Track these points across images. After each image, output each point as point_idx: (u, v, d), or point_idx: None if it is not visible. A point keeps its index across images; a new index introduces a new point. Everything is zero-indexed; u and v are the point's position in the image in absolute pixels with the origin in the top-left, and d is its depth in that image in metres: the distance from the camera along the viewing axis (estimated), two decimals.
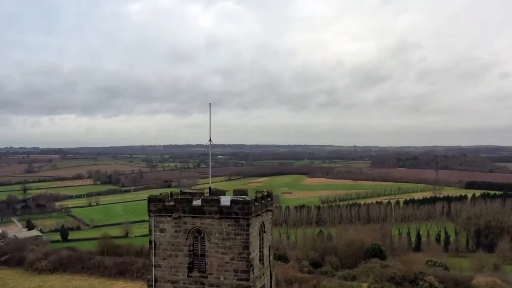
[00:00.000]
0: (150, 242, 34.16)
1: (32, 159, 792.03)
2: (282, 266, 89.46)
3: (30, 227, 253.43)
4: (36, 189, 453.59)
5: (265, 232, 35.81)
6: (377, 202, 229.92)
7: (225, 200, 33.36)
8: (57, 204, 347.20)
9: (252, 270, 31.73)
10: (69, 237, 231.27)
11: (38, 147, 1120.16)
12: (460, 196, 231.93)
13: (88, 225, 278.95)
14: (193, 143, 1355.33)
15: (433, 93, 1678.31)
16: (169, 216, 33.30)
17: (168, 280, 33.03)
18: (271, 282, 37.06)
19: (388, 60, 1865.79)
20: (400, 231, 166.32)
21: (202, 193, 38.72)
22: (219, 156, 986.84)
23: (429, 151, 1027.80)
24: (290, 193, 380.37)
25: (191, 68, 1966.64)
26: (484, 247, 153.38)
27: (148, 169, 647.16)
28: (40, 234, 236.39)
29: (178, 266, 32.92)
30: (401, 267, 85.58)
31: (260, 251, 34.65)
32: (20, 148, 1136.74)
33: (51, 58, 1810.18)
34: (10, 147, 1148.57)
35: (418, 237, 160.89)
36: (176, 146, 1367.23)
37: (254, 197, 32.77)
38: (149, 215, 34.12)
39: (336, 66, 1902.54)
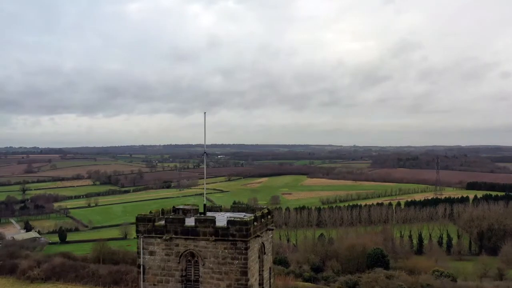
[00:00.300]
0: (139, 266, 31.30)
1: (31, 159, 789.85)
2: (282, 277, 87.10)
3: (28, 228, 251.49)
4: (35, 189, 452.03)
5: (265, 253, 32.76)
6: (378, 204, 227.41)
7: (222, 219, 30.54)
8: (56, 205, 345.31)
9: None
10: (67, 239, 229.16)
11: (38, 147, 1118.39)
12: (462, 197, 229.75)
13: (86, 226, 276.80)
14: (193, 143, 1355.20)
15: (434, 93, 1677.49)
16: (160, 237, 30.42)
17: None
18: None
19: (389, 59, 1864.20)
20: (402, 233, 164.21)
21: (197, 210, 36.22)
22: (219, 156, 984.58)
23: (429, 150, 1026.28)
24: (290, 193, 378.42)
25: (192, 67, 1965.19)
26: (487, 250, 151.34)
27: (147, 169, 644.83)
28: (38, 235, 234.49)
29: None
30: (406, 278, 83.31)
31: (259, 274, 31.63)
32: (20, 147, 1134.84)
33: (51, 57, 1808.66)
34: (10, 147, 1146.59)
35: (420, 239, 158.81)
36: (176, 146, 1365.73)
37: (253, 217, 29.67)
38: (138, 236, 31.40)
39: (337, 65, 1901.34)
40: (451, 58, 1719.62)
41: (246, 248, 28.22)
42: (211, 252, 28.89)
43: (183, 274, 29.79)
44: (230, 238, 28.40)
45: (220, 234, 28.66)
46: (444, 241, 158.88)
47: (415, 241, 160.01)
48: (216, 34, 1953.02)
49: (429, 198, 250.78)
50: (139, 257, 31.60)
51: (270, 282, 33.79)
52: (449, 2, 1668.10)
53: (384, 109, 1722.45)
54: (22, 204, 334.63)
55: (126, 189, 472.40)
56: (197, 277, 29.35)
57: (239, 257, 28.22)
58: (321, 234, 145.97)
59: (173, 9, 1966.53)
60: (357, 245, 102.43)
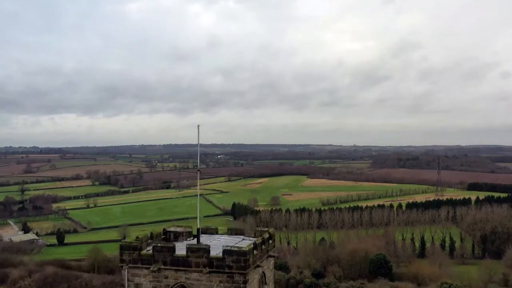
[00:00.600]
0: None
1: (31, 159, 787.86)
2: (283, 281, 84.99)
3: (26, 230, 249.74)
4: (34, 190, 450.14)
5: (265, 283, 29.62)
6: (379, 205, 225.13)
7: (217, 245, 27.59)
8: (55, 206, 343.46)
9: None
10: (65, 241, 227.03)
11: (37, 147, 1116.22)
12: (464, 199, 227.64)
13: (85, 228, 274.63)
14: (193, 143, 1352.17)
15: (434, 93, 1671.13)
16: (147, 268, 26.75)
17: None
18: None
19: (389, 59, 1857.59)
20: (404, 236, 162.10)
21: (190, 232, 33.31)
22: (218, 156, 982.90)
23: (429, 150, 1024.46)
24: (290, 194, 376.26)
25: (192, 67, 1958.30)
26: (490, 254, 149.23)
27: (147, 170, 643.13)
28: (36, 237, 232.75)
29: None
30: None
31: None
32: (20, 147, 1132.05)
33: (51, 57, 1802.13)
34: (10, 147, 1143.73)
35: (422, 242, 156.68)
36: (176, 145, 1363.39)
37: (252, 245, 26.30)
38: (122, 266, 27.36)
39: (337, 65, 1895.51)
40: (451, 58, 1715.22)
41: (245, 282, 25.20)
42: (205, 285, 25.87)
43: None
44: (227, 270, 25.35)
45: (215, 266, 25.55)
46: (447, 244, 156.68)
47: (417, 244, 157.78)
48: (216, 34, 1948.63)
49: (431, 199, 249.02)
50: None
51: None
52: (450, 2, 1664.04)
53: (384, 109, 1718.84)
54: (21, 205, 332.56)
55: (126, 189, 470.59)
56: None
57: None
58: (322, 238, 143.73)
59: (173, 9, 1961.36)
60: (359, 250, 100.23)
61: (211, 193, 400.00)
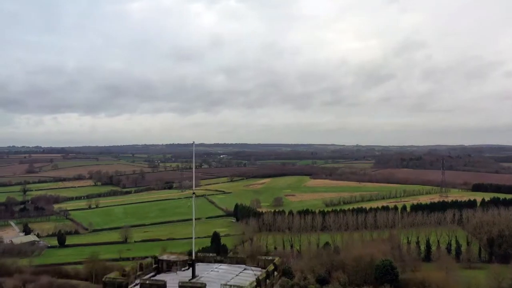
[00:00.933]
0: None
1: (33, 159, 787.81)
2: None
3: (27, 231, 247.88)
4: (36, 190, 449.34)
5: None
6: (383, 207, 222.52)
7: (214, 280, 24.13)
8: (56, 206, 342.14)
9: None
10: (66, 242, 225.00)
11: (40, 146, 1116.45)
12: (469, 200, 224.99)
13: (86, 229, 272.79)
14: (196, 142, 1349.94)
15: (437, 92, 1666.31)
16: None
17: None
18: None
19: (393, 58, 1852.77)
20: (409, 239, 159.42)
21: (185, 261, 30.45)
22: (221, 156, 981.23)
23: (432, 150, 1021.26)
24: (293, 195, 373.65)
25: (194, 67, 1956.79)
26: (497, 258, 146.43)
27: (149, 170, 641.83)
28: (37, 239, 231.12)
29: None
30: None
31: None
32: (23, 147, 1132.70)
33: (53, 57, 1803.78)
34: (13, 146, 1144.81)
35: (428, 246, 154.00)
36: (179, 145, 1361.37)
37: (255, 283, 22.81)
38: None
39: (340, 65, 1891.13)
40: (455, 57, 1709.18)
41: None
42: None
43: None
44: None
45: None
46: (453, 247, 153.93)
47: (422, 247, 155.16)
48: (219, 33, 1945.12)
49: (435, 201, 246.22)
50: None
51: None
52: (454, 1, 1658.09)
53: (387, 108, 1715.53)
54: (22, 206, 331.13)
55: (128, 189, 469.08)
56: None
57: None
58: (327, 243, 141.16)
59: (175, 8, 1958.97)
60: (364, 255, 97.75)
61: (213, 194, 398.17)
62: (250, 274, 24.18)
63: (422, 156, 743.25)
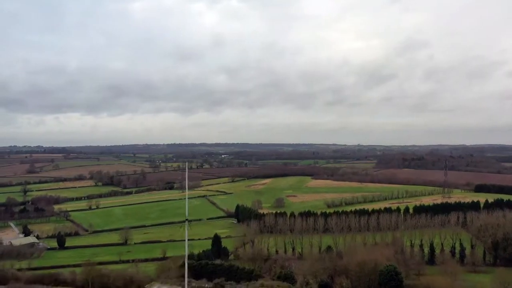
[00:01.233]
0: None
1: (34, 159, 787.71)
2: None
3: (26, 233, 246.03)
4: (37, 190, 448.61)
5: None
6: (385, 209, 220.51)
7: None
8: (56, 207, 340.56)
9: None
10: (66, 244, 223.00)
11: (42, 146, 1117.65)
12: (473, 202, 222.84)
13: (87, 230, 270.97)
14: (197, 142, 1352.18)
15: (439, 92, 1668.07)
16: None
17: None
18: None
19: (395, 58, 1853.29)
20: (412, 242, 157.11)
21: None
22: (222, 156, 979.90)
23: (434, 150, 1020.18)
24: (295, 196, 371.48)
25: (196, 66, 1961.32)
26: (502, 261, 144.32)
27: (150, 170, 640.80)
28: (36, 240, 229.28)
29: None
30: None
31: None
32: (24, 146, 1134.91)
33: (55, 56, 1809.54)
34: (14, 146, 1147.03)
35: (432, 249, 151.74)
36: (180, 145, 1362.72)
37: None
38: None
39: (342, 64, 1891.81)
40: (457, 57, 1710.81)
41: None
42: None
43: None
44: None
45: None
46: (457, 250, 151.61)
47: (426, 250, 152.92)
48: (220, 33, 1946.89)
49: (438, 202, 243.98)
50: None
51: None
52: (456, 0, 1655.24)
53: (389, 108, 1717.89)
54: (22, 207, 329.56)
55: (128, 190, 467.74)
56: None
57: None
58: (329, 247, 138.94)
59: (176, 8, 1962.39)
60: (368, 261, 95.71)
61: (214, 195, 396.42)
62: None
63: (423, 156, 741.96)
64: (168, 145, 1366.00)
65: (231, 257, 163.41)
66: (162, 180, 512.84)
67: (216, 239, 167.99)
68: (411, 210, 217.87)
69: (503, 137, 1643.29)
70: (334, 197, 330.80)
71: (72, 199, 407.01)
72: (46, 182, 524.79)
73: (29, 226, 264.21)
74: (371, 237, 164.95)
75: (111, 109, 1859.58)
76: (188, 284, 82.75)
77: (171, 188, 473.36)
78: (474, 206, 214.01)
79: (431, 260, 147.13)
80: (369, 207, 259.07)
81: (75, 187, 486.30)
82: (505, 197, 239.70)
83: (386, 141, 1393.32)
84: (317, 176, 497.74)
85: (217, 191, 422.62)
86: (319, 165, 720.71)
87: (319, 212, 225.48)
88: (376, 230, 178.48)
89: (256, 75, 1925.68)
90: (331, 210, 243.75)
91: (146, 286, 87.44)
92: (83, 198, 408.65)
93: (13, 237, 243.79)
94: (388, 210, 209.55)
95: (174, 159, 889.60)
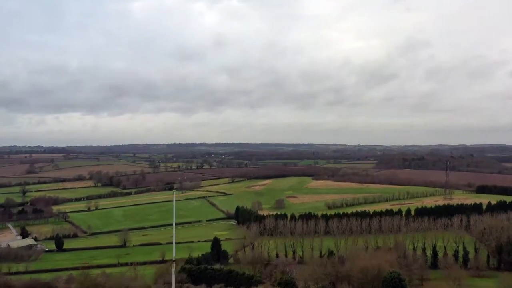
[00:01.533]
0: None
1: (34, 159, 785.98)
2: None
3: (24, 235, 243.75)
4: (36, 191, 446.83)
5: None
6: (387, 211, 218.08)
7: None
8: (55, 208, 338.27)
9: None
10: (64, 246, 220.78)
11: (41, 146, 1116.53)
12: (475, 204, 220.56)
13: (85, 232, 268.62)
14: (197, 142, 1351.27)
15: (440, 92, 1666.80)
16: None
17: None
18: None
19: (396, 58, 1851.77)
20: (415, 245, 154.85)
21: None
22: (222, 156, 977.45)
23: (434, 150, 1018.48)
24: (295, 197, 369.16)
25: (197, 66, 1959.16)
26: (506, 265, 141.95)
27: (150, 170, 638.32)
28: (34, 243, 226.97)
29: None
30: None
31: None
32: (24, 146, 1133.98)
33: (56, 56, 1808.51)
34: (14, 146, 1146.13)
35: (434, 252, 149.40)
36: (180, 145, 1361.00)
37: None
38: None
39: (343, 64, 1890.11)
40: (458, 57, 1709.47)
41: None
42: None
43: None
44: None
45: None
46: (460, 254, 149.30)
47: (429, 253, 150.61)
48: (221, 32, 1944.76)
49: (440, 204, 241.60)
50: None
51: None
52: (457, 0, 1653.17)
53: (390, 108, 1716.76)
54: (21, 208, 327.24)
55: (128, 191, 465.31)
56: None
57: None
58: (331, 252, 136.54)
59: (177, 8, 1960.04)
60: (371, 267, 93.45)
61: (214, 195, 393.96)
62: None
63: (424, 156, 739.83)
64: (168, 145, 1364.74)
65: (231, 260, 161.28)
66: (162, 180, 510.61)
67: (216, 242, 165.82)
68: (412, 212, 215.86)
69: (504, 137, 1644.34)
70: (335, 198, 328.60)
71: (71, 200, 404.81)
72: (45, 182, 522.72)
73: (27, 228, 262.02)
74: (373, 240, 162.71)
75: (111, 109, 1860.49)
76: None
77: (170, 189, 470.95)
78: (477, 208, 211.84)
79: (434, 264, 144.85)
80: (370, 208, 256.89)
81: (75, 188, 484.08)
82: (508, 198, 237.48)
83: (386, 141, 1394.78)
84: (318, 176, 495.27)
85: (217, 192, 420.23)
86: (319, 165, 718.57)
87: (319, 214, 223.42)
88: (378, 233, 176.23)
89: (257, 75, 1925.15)
90: (332, 212, 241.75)
91: None
92: (82, 199, 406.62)
93: (11, 239, 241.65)
94: (390, 213, 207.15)
95: (174, 159, 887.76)
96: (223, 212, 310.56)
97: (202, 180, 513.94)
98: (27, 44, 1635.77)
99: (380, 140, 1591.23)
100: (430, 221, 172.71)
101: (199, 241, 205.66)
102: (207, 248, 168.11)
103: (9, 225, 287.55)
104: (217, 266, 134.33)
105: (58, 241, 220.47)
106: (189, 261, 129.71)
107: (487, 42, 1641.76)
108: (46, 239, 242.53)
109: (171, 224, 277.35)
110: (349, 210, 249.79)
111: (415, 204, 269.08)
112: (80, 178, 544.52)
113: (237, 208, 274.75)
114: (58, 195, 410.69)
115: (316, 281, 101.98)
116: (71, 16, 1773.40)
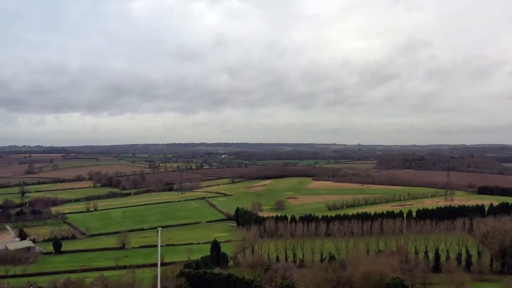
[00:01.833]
0: None
1: (33, 159, 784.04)
2: None
3: (22, 236, 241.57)
4: (35, 191, 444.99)
5: None
6: (388, 212, 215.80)
7: None
8: (54, 209, 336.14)
9: None
10: (63, 248, 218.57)
11: (41, 146, 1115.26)
12: (477, 206, 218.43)
13: (84, 234, 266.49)
14: (197, 142, 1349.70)
15: (440, 92, 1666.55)
16: None
17: None
18: None
19: (397, 58, 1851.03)
20: (417, 248, 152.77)
21: None
22: (222, 156, 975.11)
23: (434, 150, 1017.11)
24: (295, 198, 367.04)
25: (198, 66, 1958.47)
26: (510, 268, 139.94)
27: (150, 170, 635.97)
28: (32, 244, 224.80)
29: None
30: None
31: None
32: (24, 146, 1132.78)
33: (56, 56, 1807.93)
34: (14, 146, 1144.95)
35: (437, 255, 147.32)
36: (180, 144, 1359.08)
37: None
38: None
39: (344, 64, 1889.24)
40: (459, 56, 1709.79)
41: None
42: None
43: None
44: None
45: None
46: (463, 257, 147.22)
47: (431, 256, 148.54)
48: (221, 32, 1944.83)
49: (442, 206, 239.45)
50: None
51: None
52: (458, 0, 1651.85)
53: (390, 108, 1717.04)
54: (19, 209, 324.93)
55: (127, 191, 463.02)
56: None
57: None
58: (332, 257, 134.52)
59: (177, 8, 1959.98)
60: (373, 272, 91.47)
61: (214, 196, 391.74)
62: None
63: (424, 157, 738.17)
64: (168, 145, 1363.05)
65: (230, 263, 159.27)
66: (162, 181, 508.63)
67: (215, 245, 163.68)
68: (414, 214, 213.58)
69: (504, 136, 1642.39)
70: (335, 199, 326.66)
71: (70, 201, 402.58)
72: (44, 183, 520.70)
73: (25, 229, 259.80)
74: (374, 242, 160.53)
75: (111, 109, 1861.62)
76: None
77: (170, 189, 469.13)
78: (479, 210, 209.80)
79: (437, 267, 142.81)
80: (371, 210, 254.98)
81: (74, 188, 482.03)
82: (509, 199, 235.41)
83: (386, 141, 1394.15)
84: (318, 177, 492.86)
85: (217, 192, 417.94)
86: (319, 165, 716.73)
87: (320, 216, 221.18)
88: (380, 235, 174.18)
89: (257, 74, 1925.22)
90: (333, 214, 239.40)
91: None
92: (81, 200, 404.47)
93: (9, 240, 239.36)
94: (391, 215, 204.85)
95: (174, 159, 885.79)
96: (222, 213, 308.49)
97: (202, 181, 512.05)
98: (27, 44, 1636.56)
99: (380, 140, 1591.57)
100: (432, 224, 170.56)
101: (198, 243, 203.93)
102: (206, 250, 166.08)
103: (7, 227, 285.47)
104: (216, 270, 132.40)
105: (56, 243, 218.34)
106: (188, 265, 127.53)
107: (488, 42, 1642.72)
108: (44, 240, 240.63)
109: (170, 226, 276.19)
110: (350, 211, 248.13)
111: (416, 205, 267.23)
112: (79, 179, 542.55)
113: (237, 210, 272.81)
114: (57, 195, 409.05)
115: (317, 286, 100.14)
116: (71, 16, 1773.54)
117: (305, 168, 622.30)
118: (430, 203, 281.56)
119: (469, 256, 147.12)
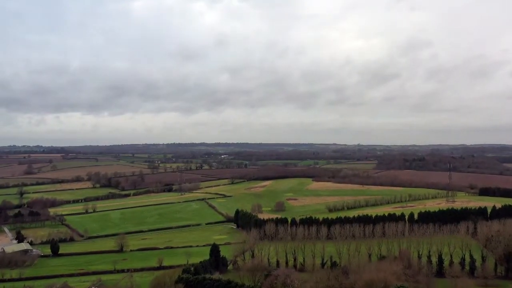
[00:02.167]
0: None
1: (32, 160, 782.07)
2: None
3: (20, 239, 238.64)
4: (34, 192, 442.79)
5: None
6: (389, 215, 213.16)
7: None
8: (52, 211, 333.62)
9: None
10: (60, 250, 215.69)
11: (41, 146, 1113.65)
12: (480, 208, 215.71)
13: (82, 236, 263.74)
14: (197, 142, 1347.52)
15: (441, 92, 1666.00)
16: None
17: None
18: None
19: (398, 58, 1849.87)
20: (420, 252, 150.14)
21: None
22: (222, 156, 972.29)
23: (435, 150, 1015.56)
24: (296, 199, 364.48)
25: (198, 66, 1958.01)
26: None
27: (149, 171, 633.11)
28: (30, 247, 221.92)
29: None
30: None
31: None
32: (23, 146, 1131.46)
33: (56, 56, 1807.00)
34: (13, 146, 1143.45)
35: (440, 260, 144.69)
36: (180, 144, 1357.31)
37: None
38: None
39: (345, 64, 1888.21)
40: (460, 56, 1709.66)
41: None
42: None
43: None
44: None
45: None
46: (467, 262, 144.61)
47: (434, 260, 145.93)
48: (222, 32, 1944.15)
49: (444, 208, 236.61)
50: None
51: None
52: (459, 0, 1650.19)
53: (390, 108, 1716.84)
54: (17, 211, 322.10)
55: (126, 192, 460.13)
56: None
57: None
58: (334, 263, 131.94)
59: (177, 7, 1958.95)
60: (377, 280, 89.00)
61: (213, 197, 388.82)
62: None
63: (425, 157, 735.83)
64: (167, 144, 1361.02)
65: (230, 267, 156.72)
66: (161, 181, 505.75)
67: (214, 249, 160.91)
68: (416, 216, 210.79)
69: (504, 136, 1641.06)
70: (336, 201, 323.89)
71: (68, 202, 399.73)
72: (43, 183, 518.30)
73: (23, 231, 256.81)
74: (376, 245, 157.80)
75: (111, 109, 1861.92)
76: None
77: (169, 190, 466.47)
78: (482, 212, 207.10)
79: (440, 272, 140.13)
80: (371, 211, 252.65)
81: (72, 189, 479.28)
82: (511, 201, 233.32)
83: (386, 141, 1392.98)
84: (318, 178, 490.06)
85: (216, 193, 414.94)
86: (320, 165, 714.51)
87: (321, 219, 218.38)
88: (381, 237, 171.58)
89: (258, 74, 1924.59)
90: (333, 216, 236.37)
91: None
92: (80, 201, 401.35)
93: (6, 243, 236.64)
94: (393, 217, 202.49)
95: (174, 159, 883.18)
96: (222, 215, 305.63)
97: (202, 181, 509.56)
98: (27, 44, 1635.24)
99: (380, 140, 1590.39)
100: (435, 227, 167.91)
101: (197, 246, 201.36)
102: (206, 252, 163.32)
103: (5, 228, 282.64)
104: (216, 274, 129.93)
105: (54, 245, 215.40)
106: (186, 270, 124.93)
107: (488, 42, 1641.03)
108: (42, 243, 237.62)
109: (169, 228, 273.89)
110: (351, 213, 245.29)
111: (417, 207, 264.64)
112: (78, 179, 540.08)
113: (237, 212, 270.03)
114: (55, 196, 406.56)
115: None
116: (72, 16, 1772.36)
117: (305, 169, 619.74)
118: (432, 205, 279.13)
119: (473, 261, 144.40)
